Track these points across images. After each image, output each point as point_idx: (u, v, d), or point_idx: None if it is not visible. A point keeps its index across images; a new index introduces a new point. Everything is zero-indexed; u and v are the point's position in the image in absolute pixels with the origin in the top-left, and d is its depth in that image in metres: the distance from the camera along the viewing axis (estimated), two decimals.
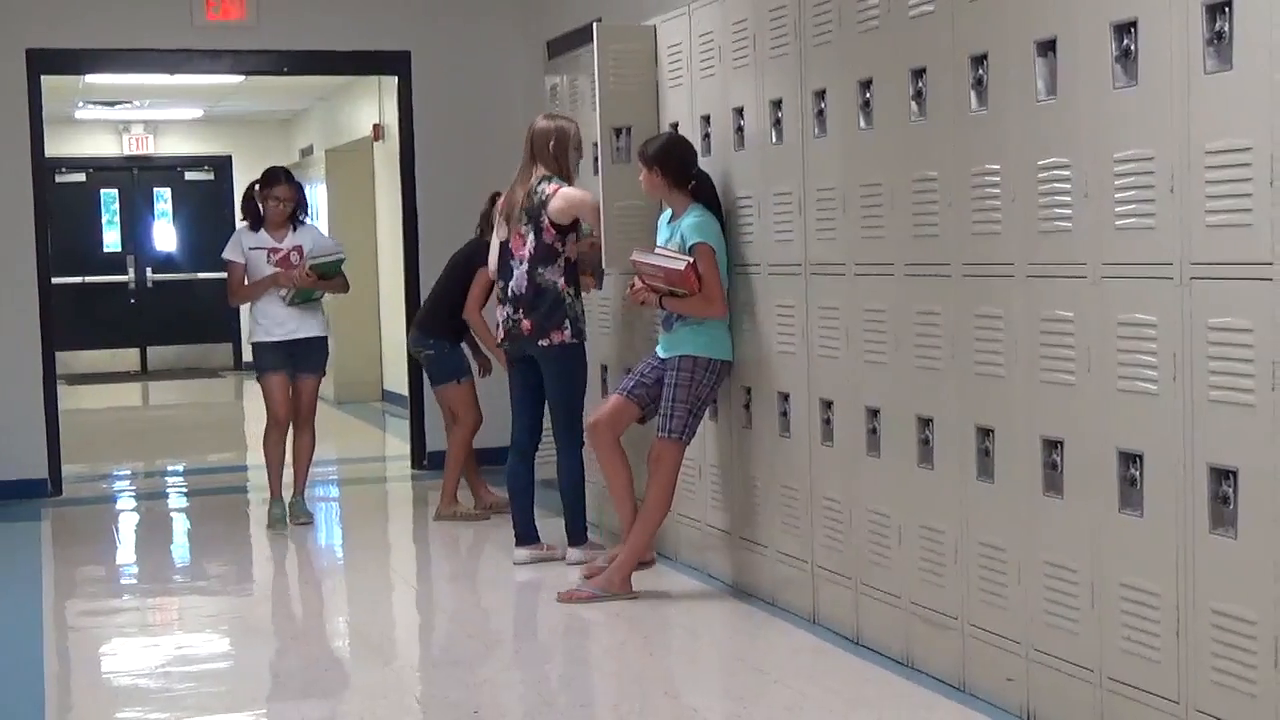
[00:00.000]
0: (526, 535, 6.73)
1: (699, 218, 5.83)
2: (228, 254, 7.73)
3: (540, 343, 6.43)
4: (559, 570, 6.51)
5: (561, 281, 6.41)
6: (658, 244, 6.02)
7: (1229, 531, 3.59)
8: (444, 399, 7.86)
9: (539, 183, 6.44)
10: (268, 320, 7.71)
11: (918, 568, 4.84)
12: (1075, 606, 4.12)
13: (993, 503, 4.46)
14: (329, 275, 7.71)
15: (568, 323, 6.40)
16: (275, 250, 7.69)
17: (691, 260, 5.73)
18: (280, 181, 7.74)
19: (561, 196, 6.38)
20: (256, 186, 7.72)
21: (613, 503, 6.37)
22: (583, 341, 6.50)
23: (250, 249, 7.68)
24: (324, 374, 7.91)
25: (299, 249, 7.72)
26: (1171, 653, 3.77)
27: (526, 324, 6.43)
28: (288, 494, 7.92)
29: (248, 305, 7.84)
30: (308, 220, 7.91)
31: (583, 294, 6.61)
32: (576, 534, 6.65)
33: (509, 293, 6.50)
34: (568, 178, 6.48)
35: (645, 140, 6.13)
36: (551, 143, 6.47)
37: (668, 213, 6.07)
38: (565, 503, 6.62)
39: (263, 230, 7.72)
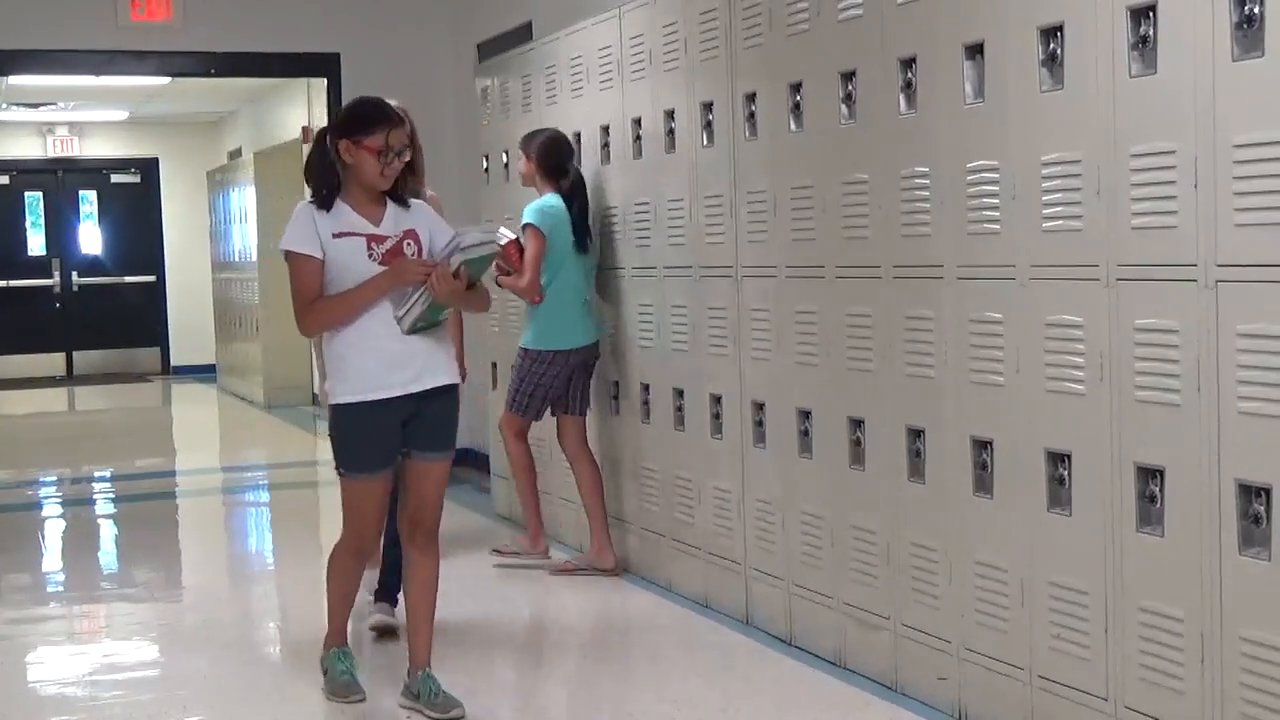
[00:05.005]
0: None
1: (540, 203, 6.19)
2: (295, 244, 4.48)
3: None
4: (505, 573, 6.48)
5: None
6: None
7: (1156, 530, 3.63)
8: None
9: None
10: (368, 362, 4.43)
11: (850, 568, 4.86)
12: (1005, 605, 4.15)
13: (924, 503, 4.48)
14: (476, 280, 4.52)
15: None
16: (378, 238, 4.46)
17: (514, 237, 5.94)
18: (392, 121, 4.42)
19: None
20: (333, 136, 4.47)
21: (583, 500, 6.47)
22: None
23: (335, 236, 4.44)
24: (454, 451, 4.66)
25: (413, 235, 4.50)
26: (1100, 650, 3.81)
27: None
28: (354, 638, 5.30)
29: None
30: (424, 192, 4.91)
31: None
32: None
33: None
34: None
35: (530, 132, 6.41)
36: None
37: None
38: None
39: (344, 204, 4.47)
